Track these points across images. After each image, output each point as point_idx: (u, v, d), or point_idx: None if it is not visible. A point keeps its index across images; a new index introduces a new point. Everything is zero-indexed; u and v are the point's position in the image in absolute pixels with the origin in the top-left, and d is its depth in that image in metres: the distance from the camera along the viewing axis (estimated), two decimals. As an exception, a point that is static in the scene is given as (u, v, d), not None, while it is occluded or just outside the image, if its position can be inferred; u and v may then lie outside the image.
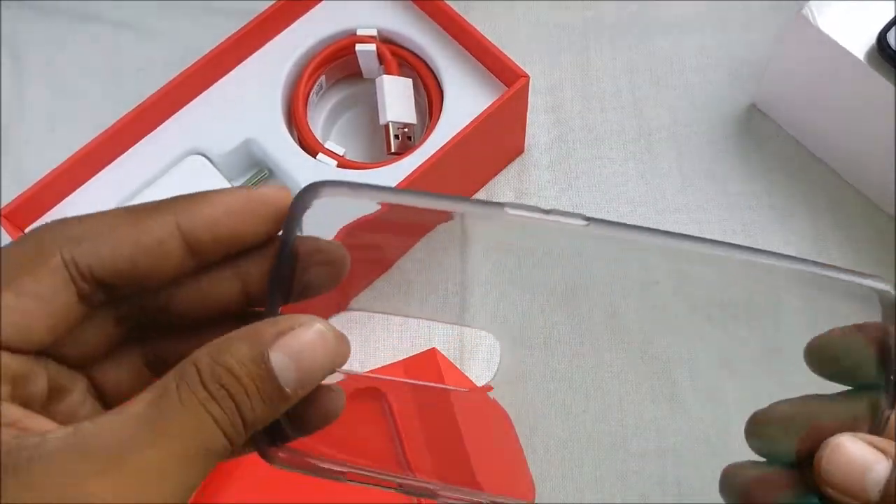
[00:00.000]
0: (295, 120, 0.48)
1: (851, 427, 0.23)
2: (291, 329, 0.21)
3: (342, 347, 0.22)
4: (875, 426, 0.23)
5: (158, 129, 0.48)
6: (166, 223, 0.23)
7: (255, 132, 0.47)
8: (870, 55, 0.42)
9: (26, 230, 0.46)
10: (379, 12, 0.49)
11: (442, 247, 0.50)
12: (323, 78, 0.50)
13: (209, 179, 0.46)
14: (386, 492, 0.24)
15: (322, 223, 0.23)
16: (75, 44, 0.56)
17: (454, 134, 0.45)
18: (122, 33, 0.56)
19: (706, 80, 0.53)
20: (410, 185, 0.44)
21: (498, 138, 0.49)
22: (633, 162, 0.51)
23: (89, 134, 0.46)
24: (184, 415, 0.20)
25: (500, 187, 0.51)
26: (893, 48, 0.42)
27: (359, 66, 0.50)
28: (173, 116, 0.48)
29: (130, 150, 0.47)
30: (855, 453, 0.22)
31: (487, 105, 0.45)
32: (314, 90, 0.49)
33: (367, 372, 0.40)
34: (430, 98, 0.48)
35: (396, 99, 0.48)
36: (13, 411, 0.21)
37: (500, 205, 0.23)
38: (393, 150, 0.48)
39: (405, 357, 0.42)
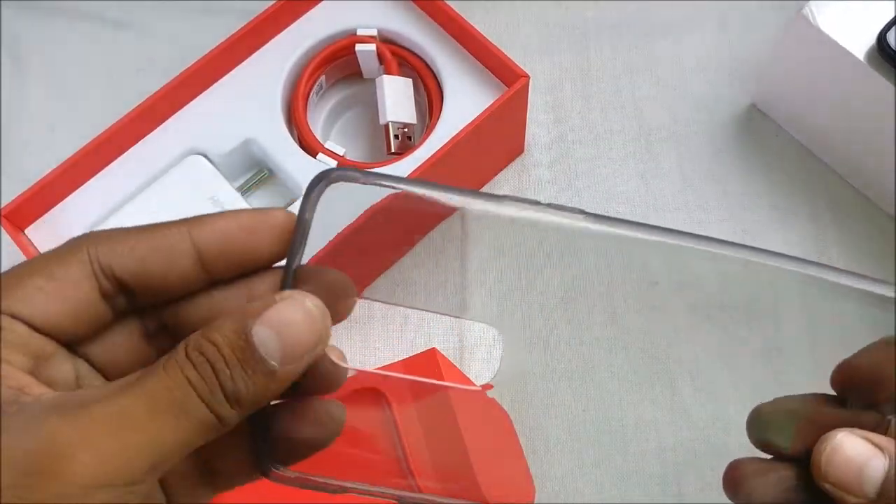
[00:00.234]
0: (295, 120, 0.48)
1: (852, 424, 0.23)
2: (275, 303, 0.22)
3: (328, 323, 0.23)
4: (878, 430, 0.23)
5: (158, 129, 0.48)
6: (179, 232, 0.24)
7: (255, 132, 0.47)
8: (870, 55, 0.42)
9: (26, 230, 0.46)
10: (379, 12, 0.49)
11: (442, 247, 0.50)
12: (323, 78, 0.50)
13: (209, 179, 0.46)
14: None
15: (334, 210, 0.23)
16: (75, 44, 0.56)
17: (454, 134, 0.45)
18: (122, 33, 0.56)
19: (706, 79, 0.53)
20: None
21: (498, 138, 0.49)
22: (633, 162, 0.51)
23: (89, 134, 0.46)
24: (160, 376, 0.21)
25: (501, 187, 0.51)
26: (893, 48, 0.41)
27: (359, 66, 0.50)
28: (173, 116, 0.48)
29: (130, 150, 0.47)
30: (853, 449, 0.22)
31: (487, 105, 0.45)
32: (314, 90, 0.49)
33: (367, 373, 0.40)
34: (430, 98, 0.48)
35: (396, 99, 0.48)
36: (23, 378, 0.22)
37: (504, 197, 0.24)
38: (393, 150, 0.48)
39: (405, 357, 0.42)
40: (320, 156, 0.47)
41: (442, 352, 0.43)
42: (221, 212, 0.25)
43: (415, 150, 0.46)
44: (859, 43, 0.43)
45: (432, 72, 0.49)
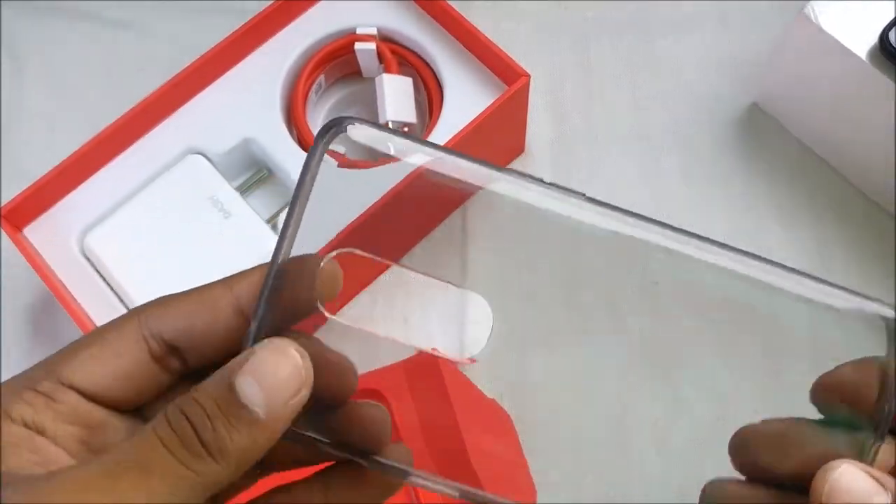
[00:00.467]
0: (294, 119, 0.48)
1: (837, 454, 0.23)
2: (254, 352, 0.22)
3: (307, 364, 0.23)
4: (863, 457, 0.23)
5: (157, 128, 0.47)
6: (221, 289, 0.25)
7: (254, 131, 0.47)
8: (872, 54, 0.42)
9: (24, 230, 0.46)
10: (379, 11, 0.49)
11: (442, 247, 0.49)
12: (322, 77, 0.50)
13: (208, 178, 0.46)
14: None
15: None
16: (74, 43, 0.56)
17: (454, 133, 0.45)
18: (121, 33, 0.56)
19: (707, 79, 0.53)
20: (411, 183, 0.44)
21: (498, 138, 0.49)
22: (634, 161, 0.51)
23: (88, 133, 0.46)
24: (133, 440, 0.22)
25: (501, 186, 0.51)
26: (895, 47, 0.41)
27: (358, 65, 0.50)
28: (172, 115, 0.48)
29: (129, 149, 0.47)
30: (855, 484, 0.22)
31: (488, 104, 0.45)
32: (313, 89, 0.49)
33: (367, 373, 0.40)
34: (430, 97, 0.48)
35: (396, 98, 0.48)
36: (54, 453, 0.23)
37: (508, 171, 0.24)
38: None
39: (405, 357, 0.42)
40: (320, 155, 0.47)
41: (442, 353, 0.43)
42: (260, 264, 0.25)
43: (415, 149, 0.46)
44: (861, 42, 0.42)
45: (432, 71, 0.49)
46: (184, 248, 0.45)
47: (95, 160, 0.46)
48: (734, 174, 0.51)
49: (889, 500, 0.22)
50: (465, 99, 0.47)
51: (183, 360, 0.25)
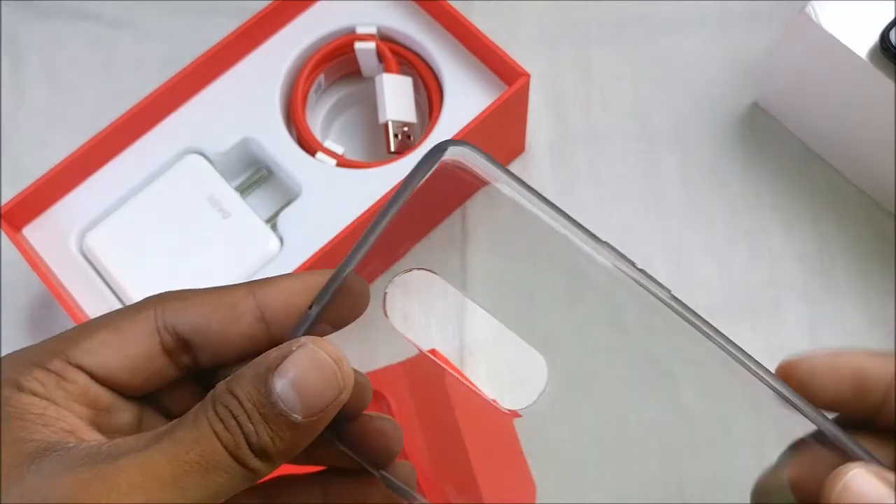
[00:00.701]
0: (294, 118, 0.48)
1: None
2: (290, 352, 0.22)
3: (344, 369, 0.22)
4: None
5: (156, 127, 0.47)
6: (244, 292, 0.25)
7: (253, 131, 0.47)
8: (872, 54, 0.42)
9: (23, 230, 0.46)
10: (378, 10, 0.49)
11: (442, 247, 0.49)
12: (322, 76, 0.49)
13: (207, 178, 0.46)
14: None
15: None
16: (73, 43, 0.56)
17: (454, 133, 0.45)
18: (121, 32, 0.56)
19: (708, 78, 0.53)
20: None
21: (498, 137, 0.48)
22: (635, 161, 0.51)
23: (87, 132, 0.46)
24: (189, 428, 0.21)
25: (501, 186, 0.51)
26: (896, 46, 0.41)
27: (358, 65, 0.50)
28: (171, 115, 0.48)
29: (128, 148, 0.47)
30: (866, 486, 0.22)
31: (488, 104, 0.45)
32: (313, 89, 0.49)
33: (367, 373, 0.39)
34: (430, 97, 0.48)
35: (396, 97, 0.48)
36: (76, 422, 0.23)
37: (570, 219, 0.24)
38: (393, 150, 0.47)
39: (405, 358, 0.42)
40: (319, 155, 0.47)
41: (442, 353, 0.43)
42: (288, 273, 0.25)
43: (415, 149, 0.46)
44: (862, 41, 0.42)
45: (432, 70, 0.48)
46: (183, 247, 0.45)
47: (95, 160, 0.46)
48: (734, 172, 0.51)
49: None
50: (465, 99, 0.47)
51: (193, 357, 0.25)
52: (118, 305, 0.44)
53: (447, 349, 0.45)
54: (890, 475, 0.22)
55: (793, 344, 0.47)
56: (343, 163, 0.47)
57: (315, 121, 0.50)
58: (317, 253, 0.43)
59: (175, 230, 0.45)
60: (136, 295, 0.44)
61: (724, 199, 0.50)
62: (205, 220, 0.45)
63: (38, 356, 0.23)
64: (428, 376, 0.39)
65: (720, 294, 0.48)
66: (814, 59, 0.45)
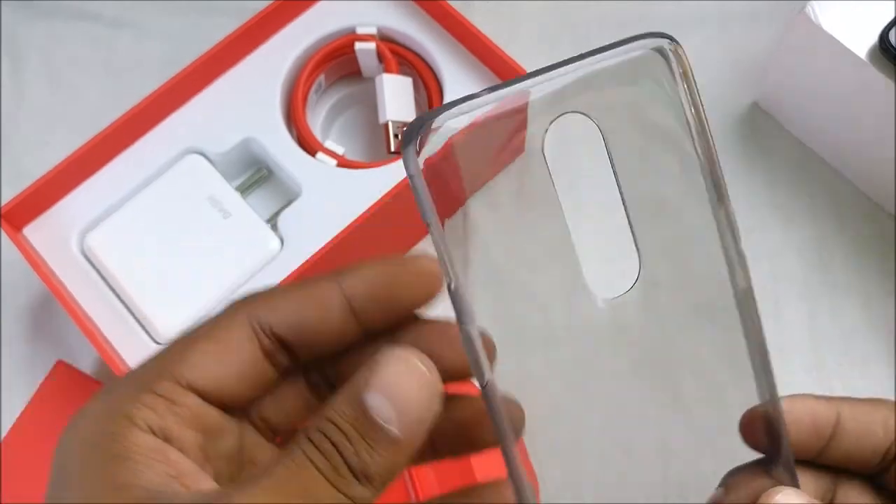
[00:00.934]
0: (294, 119, 0.48)
1: None
2: (378, 365, 0.21)
3: (433, 374, 0.22)
4: None
5: (157, 127, 0.47)
6: (330, 284, 0.24)
7: (253, 131, 0.47)
8: (872, 54, 0.42)
9: (24, 230, 0.46)
10: (378, 11, 0.49)
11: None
12: (322, 77, 0.50)
13: (207, 178, 0.46)
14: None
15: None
16: (74, 43, 0.56)
17: (454, 133, 0.45)
18: (121, 32, 0.56)
19: (708, 78, 0.53)
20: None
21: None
22: (634, 161, 0.51)
23: (88, 133, 0.46)
24: (287, 464, 0.21)
25: (501, 186, 0.51)
26: (895, 47, 0.41)
27: (358, 65, 0.50)
28: (172, 115, 0.48)
29: (128, 149, 0.47)
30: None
31: (488, 104, 0.45)
32: (313, 89, 0.49)
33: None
34: (429, 97, 0.48)
35: (396, 97, 0.48)
36: (183, 464, 0.22)
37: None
38: (393, 150, 0.47)
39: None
40: (319, 155, 0.47)
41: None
42: (368, 261, 0.25)
43: (415, 149, 0.46)
44: (861, 42, 0.42)
45: (432, 70, 0.48)
46: (183, 247, 0.45)
47: (95, 160, 0.46)
48: (734, 173, 0.51)
49: None
50: (465, 99, 0.47)
51: (290, 356, 0.24)
52: (119, 305, 0.44)
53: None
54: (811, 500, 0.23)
55: (792, 343, 0.47)
56: (343, 163, 0.47)
57: (315, 121, 0.50)
58: (317, 253, 0.43)
59: (176, 230, 0.45)
60: (136, 294, 0.44)
61: (724, 198, 0.50)
62: (205, 221, 0.45)
63: (144, 380, 0.23)
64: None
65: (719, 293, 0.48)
66: (813, 60, 0.45)
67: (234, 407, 0.24)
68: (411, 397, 0.21)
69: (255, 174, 0.48)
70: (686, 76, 0.25)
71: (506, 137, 0.25)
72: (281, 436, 0.25)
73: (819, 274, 0.48)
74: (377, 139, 0.50)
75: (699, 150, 0.24)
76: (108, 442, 0.21)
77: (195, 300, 0.44)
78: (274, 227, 0.46)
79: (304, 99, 0.48)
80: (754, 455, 0.25)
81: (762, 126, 0.52)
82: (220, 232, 0.45)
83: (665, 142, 0.25)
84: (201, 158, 0.47)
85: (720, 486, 0.25)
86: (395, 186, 0.44)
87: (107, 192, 0.46)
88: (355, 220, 0.43)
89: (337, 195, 0.46)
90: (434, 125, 0.23)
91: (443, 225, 0.24)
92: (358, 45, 0.48)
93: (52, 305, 0.49)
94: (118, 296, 0.45)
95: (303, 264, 0.43)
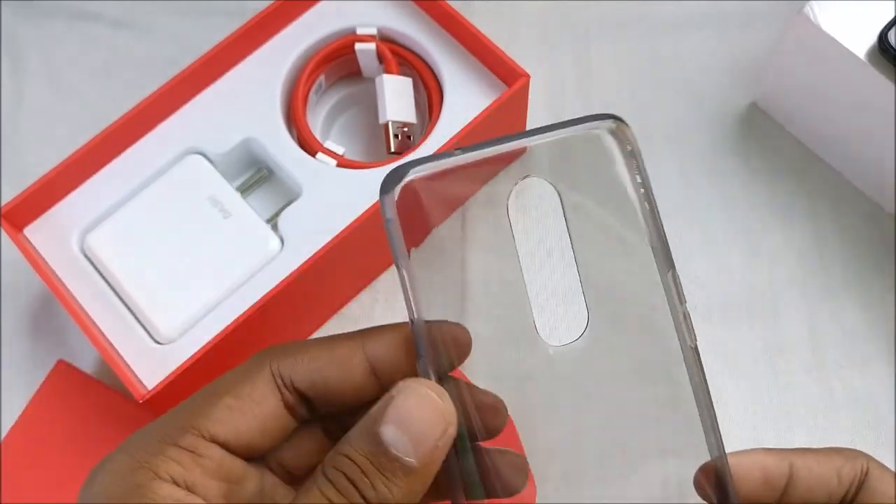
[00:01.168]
0: (294, 119, 0.48)
1: None
2: (393, 398, 0.22)
3: (445, 401, 0.23)
4: None
5: (157, 128, 0.47)
6: (354, 345, 0.25)
7: (254, 131, 0.47)
8: (871, 54, 0.42)
9: (24, 230, 0.46)
10: (379, 11, 0.49)
11: (442, 247, 0.49)
12: (322, 77, 0.50)
13: (208, 179, 0.46)
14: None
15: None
16: (74, 43, 0.56)
17: (454, 133, 0.45)
18: (121, 32, 0.56)
19: (707, 78, 0.53)
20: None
21: (498, 137, 0.49)
22: (634, 161, 0.51)
23: (88, 133, 0.46)
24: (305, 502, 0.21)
25: (501, 186, 0.51)
26: (894, 47, 0.41)
27: (358, 66, 0.50)
28: (172, 115, 0.48)
29: (129, 149, 0.47)
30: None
31: (488, 104, 0.45)
32: (313, 89, 0.49)
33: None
34: (430, 97, 0.48)
35: (396, 98, 0.48)
36: None
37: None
38: (393, 150, 0.47)
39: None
40: (319, 155, 0.47)
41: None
42: (391, 324, 0.26)
43: (415, 149, 0.46)
44: (860, 42, 0.43)
45: (432, 71, 0.49)
46: (184, 247, 0.45)
47: (96, 160, 0.46)
48: (733, 173, 0.51)
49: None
50: (465, 99, 0.47)
51: (310, 409, 0.25)
52: (119, 305, 0.44)
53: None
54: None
55: (792, 343, 0.47)
56: (343, 163, 0.47)
57: (315, 121, 0.50)
58: (317, 253, 0.43)
59: (176, 230, 0.45)
60: (136, 294, 0.44)
61: (723, 198, 0.50)
62: (206, 221, 0.45)
63: (168, 433, 0.23)
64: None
65: (719, 293, 0.48)
66: (812, 60, 0.46)
67: (254, 457, 0.24)
68: (425, 426, 0.22)
69: (255, 174, 0.48)
70: (633, 154, 0.27)
71: (471, 183, 0.28)
72: (298, 477, 0.26)
73: (819, 274, 0.48)
74: (377, 139, 0.50)
75: (646, 222, 0.26)
76: (132, 494, 0.22)
77: (195, 300, 0.44)
78: (274, 228, 0.46)
79: (305, 99, 0.48)
80: None
81: (761, 126, 0.52)
82: (220, 232, 0.45)
83: (617, 210, 0.27)
84: (202, 159, 0.47)
85: None
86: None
87: (107, 192, 0.46)
88: (355, 220, 0.43)
89: (337, 195, 0.46)
90: (409, 177, 0.26)
91: (409, 254, 0.26)
92: (358, 46, 0.48)
93: (53, 305, 0.49)
94: (118, 296, 0.45)
95: (303, 264, 0.43)
